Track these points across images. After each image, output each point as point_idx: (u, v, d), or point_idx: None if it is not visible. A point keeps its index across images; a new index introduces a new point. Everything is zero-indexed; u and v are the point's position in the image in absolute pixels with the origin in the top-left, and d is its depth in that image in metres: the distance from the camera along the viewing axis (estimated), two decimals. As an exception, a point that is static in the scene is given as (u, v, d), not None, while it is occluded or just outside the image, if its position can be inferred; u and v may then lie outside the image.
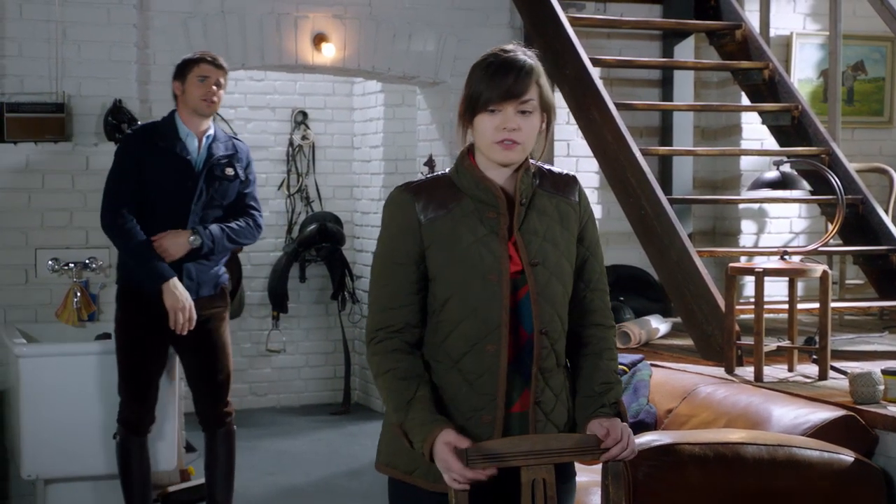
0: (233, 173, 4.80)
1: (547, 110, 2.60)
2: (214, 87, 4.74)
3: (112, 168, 4.76)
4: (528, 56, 2.59)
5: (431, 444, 2.47)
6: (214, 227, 4.74)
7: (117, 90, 5.65)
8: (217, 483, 4.96)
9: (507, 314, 2.55)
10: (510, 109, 2.54)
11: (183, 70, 4.76)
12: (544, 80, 2.60)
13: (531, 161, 2.64)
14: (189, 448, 6.20)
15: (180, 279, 4.68)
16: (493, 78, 2.54)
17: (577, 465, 2.69)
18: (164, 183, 4.69)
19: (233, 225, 4.80)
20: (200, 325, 4.77)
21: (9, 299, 5.54)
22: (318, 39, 6.17)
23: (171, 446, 5.17)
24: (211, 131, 4.81)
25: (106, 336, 5.19)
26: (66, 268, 5.52)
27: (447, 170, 2.68)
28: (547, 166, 2.70)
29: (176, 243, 4.68)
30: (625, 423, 2.58)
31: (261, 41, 6.08)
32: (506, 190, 2.61)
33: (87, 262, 5.54)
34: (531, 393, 2.58)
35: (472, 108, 2.57)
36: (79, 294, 5.42)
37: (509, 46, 2.62)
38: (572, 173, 2.73)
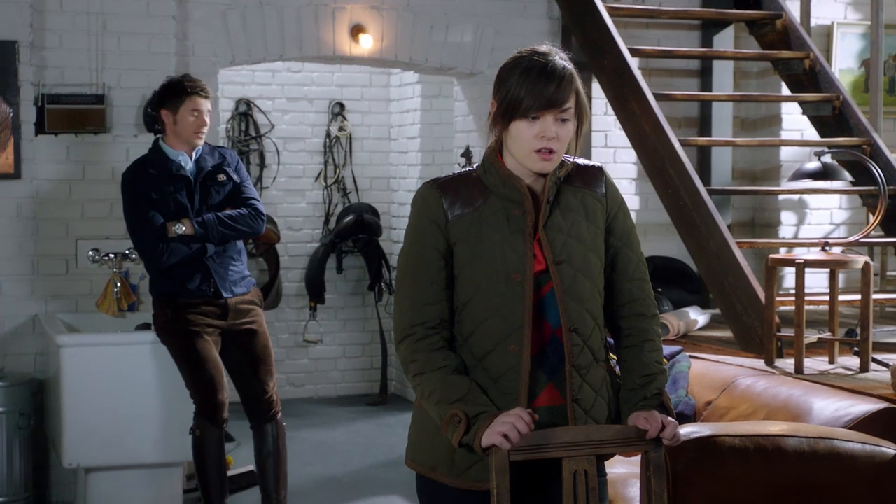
0: (224, 178, 4.87)
1: (581, 115, 2.58)
2: (205, 119, 4.82)
3: (127, 209, 4.82)
4: (565, 61, 2.57)
5: (492, 420, 2.43)
6: (207, 215, 4.79)
7: (157, 82, 5.62)
8: (269, 477, 5.02)
9: (529, 314, 2.53)
10: (549, 118, 2.52)
11: (175, 100, 4.79)
12: (580, 85, 2.57)
13: None
14: (228, 438, 6.24)
15: (207, 279, 4.78)
16: (535, 85, 2.51)
17: (616, 458, 2.68)
18: (167, 201, 4.76)
19: (229, 212, 4.83)
20: (240, 323, 4.88)
21: (50, 289, 5.60)
22: (356, 31, 6.18)
23: (210, 436, 5.20)
24: (197, 147, 4.88)
25: (146, 326, 5.22)
26: (106, 258, 5.56)
27: (475, 166, 2.67)
28: (573, 159, 2.67)
29: None
30: (664, 415, 2.55)
31: (299, 32, 6.09)
32: (532, 188, 2.60)
33: (126, 252, 5.57)
34: (567, 391, 2.56)
35: (509, 113, 2.54)
36: (119, 284, 5.46)
37: (543, 48, 2.58)
38: (598, 164, 2.71)
